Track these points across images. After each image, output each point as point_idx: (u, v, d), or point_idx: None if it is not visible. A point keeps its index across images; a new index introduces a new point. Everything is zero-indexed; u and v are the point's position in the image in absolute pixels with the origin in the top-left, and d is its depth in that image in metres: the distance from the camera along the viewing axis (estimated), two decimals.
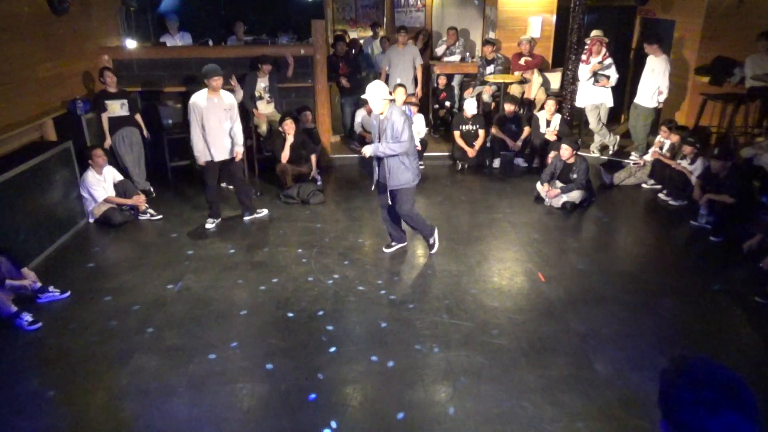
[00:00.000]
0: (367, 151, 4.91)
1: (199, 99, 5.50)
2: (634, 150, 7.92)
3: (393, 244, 5.39)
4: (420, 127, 7.75)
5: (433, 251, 5.28)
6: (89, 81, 7.01)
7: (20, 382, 3.60)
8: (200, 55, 7.63)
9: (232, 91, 6.34)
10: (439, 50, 9.54)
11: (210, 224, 5.94)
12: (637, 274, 4.99)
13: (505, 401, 3.38)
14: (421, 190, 7.05)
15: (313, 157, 7.01)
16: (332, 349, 3.90)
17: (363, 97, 4.92)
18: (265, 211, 6.25)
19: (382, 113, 4.79)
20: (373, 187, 6.64)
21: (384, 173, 4.89)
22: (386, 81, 8.44)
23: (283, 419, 3.26)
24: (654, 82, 7.42)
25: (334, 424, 3.22)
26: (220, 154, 5.72)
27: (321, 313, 4.34)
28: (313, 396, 3.44)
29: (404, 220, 5.20)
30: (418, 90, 8.52)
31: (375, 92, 4.76)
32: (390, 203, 5.03)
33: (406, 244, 5.43)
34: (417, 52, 8.45)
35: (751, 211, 5.70)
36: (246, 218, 6.11)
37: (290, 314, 4.33)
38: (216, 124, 5.57)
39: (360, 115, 8.19)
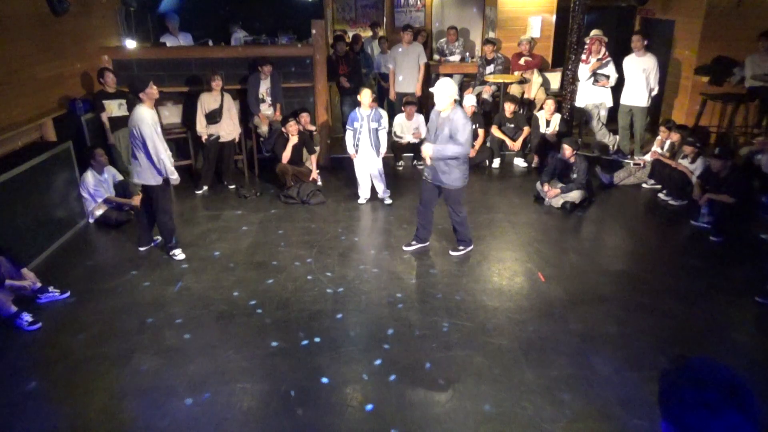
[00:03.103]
0: (428, 151, 4.78)
1: (148, 115, 4.86)
2: (631, 150, 7.94)
3: (414, 243, 5.39)
4: (420, 127, 7.74)
5: (456, 254, 5.28)
6: (89, 81, 7.01)
7: (20, 382, 3.60)
8: (200, 55, 7.64)
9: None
10: (437, 54, 9.53)
11: (179, 255, 5.28)
12: (637, 274, 4.99)
13: (505, 401, 3.38)
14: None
15: (313, 158, 7.01)
16: (332, 350, 3.90)
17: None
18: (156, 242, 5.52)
19: (444, 110, 4.78)
20: (362, 200, 6.60)
21: (433, 171, 4.94)
22: (393, 81, 8.46)
23: (283, 419, 3.26)
24: (646, 82, 7.43)
25: (334, 425, 3.22)
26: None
27: (321, 313, 4.34)
28: (313, 396, 3.44)
29: (454, 219, 5.20)
30: (418, 88, 8.50)
31: (444, 89, 4.72)
32: (444, 199, 5.12)
33: (427, 245, 5.44)
34: (422, 51, 8.41)
35: (751, 211, 5.70)
36: (142, 248, 5.43)
37: (290, 314, 4.33)
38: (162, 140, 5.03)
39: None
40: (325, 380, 3.59)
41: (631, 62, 7.54)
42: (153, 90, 4.94)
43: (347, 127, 6.46)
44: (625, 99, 7.71)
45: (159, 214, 5.24)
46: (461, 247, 5.32)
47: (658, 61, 7.48)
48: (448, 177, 4.90)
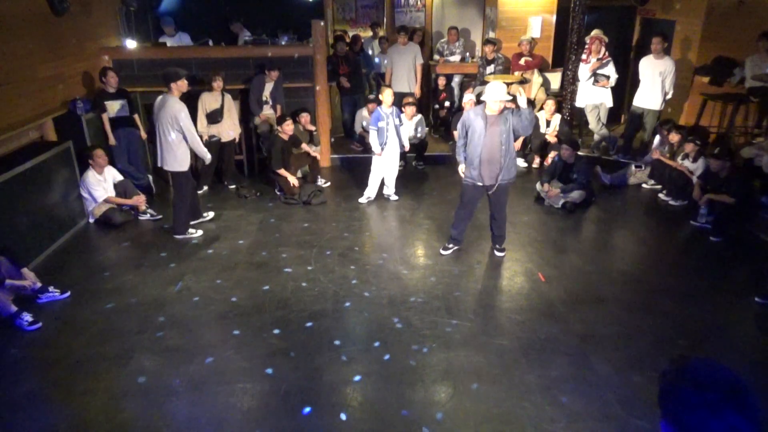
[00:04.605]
0: (524, 102, 4.79)
1: (182, 103, 5.30)
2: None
3: (451, 246, 5.32)
4: (420, 127, 7.75)
5: (503, 254, 5.26)
6: (89, 81, 7.01)
7: (20, 382, 3.60)
8: (200, 55, 7.64)
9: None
10: (437, 54, 9.54)
11: (195, 233, 5.77)
12: (637, 274, 4.99)
13: (505, 401, 3.38)
14: (422, 191, 7.06)
15: (303, 145, 6.94)
16: (332, 350, 3.89)
17: (472, 96, 4.71)
18: (211, 213, 6.16)
19: (494, 112, 4.72)
20: (363, 199, 6.58)
21: (501, 169, 4.86)
22: (389, 80, 8.48)
23: (283, 419, 3.26)
24: (662, 85, 7.35)
25: (334, 424, 3.22)
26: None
27: (321, 313, 4.34)
28: (313, 396, 3.44)
29: (502, 216, 5.15)
30: (417, 89, 8.51)
31: (497, 93, 4.64)
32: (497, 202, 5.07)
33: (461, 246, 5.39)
34: (418, 51, 8.46)
35: (751, 211, 5.70)
36: (193, 222, 5.90)
37: (290, 314, 4.33)
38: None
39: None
40: (325, 380, 3.58)
41: (648, 64, 7.43)
42: (183, 83, 5.31)
43: (371, 126, 6.47)
44: (639, 101, 7.61)
45: (177, 200, 5.63)
46: (504, 246, 5.29)
47: (676, 64, 7.40)
48: (509, 172, 4.92)
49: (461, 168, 5.08)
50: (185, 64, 7.43)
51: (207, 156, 5.71)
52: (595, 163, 7.51)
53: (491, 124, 4.75)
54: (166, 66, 7.38)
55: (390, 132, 6.37)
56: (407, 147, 6.75)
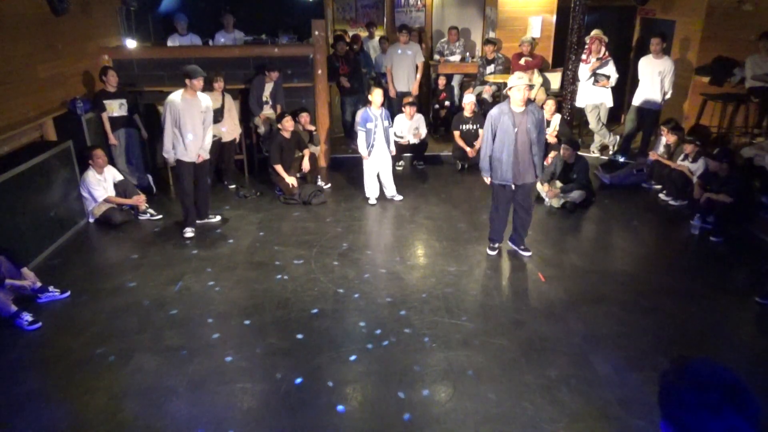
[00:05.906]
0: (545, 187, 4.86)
1: (176, 98, 5.38)
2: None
3: (496, 246, 5.28)
4: (420, 127, 7.75)
5: (529, 254, 5.22)
6: (89, 81, 7.01)
7: (20, 382, 3.60)
8: (200, 55, 7.62)
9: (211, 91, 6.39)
10: (437, 54, 9.55)
11: (189, 233, 5.74)
12: (637, 274, 4.99)
13: (505, 401, 3.38)
14: (422, 191, 7.06)
15: (306, 151, 6.95)
16: (332, 350, 3.89)
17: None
18: (218, 218, 6.15)
19: (522, 106, 4.68)
20: (372, 200, 6.52)
21: (516, 173, 4.86)
22: (391, 80, 8.47)
23: (283, 419, 3.26)
24: (661, 85, 7.36)
25: (333, 425, 3.22)
26: (195, 156, 5.61)
27: (321, 312, 4.34)
28: (313, 396, 3.44)
29: (527, 215, 5.11)
30: (414, 88, 8.49)
31: (523, 82, 4.59)
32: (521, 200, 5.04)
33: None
34: (419, 50, 8.45)
35: (751, 211, 5.70)
36: (197, 221, 5.94)
37: (290, 314, 4.33)
38: (192, 125, 5.46)
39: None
40: (324, 380, 3.59)
41: (647, 64, 7.43)
42: (197, 83, 5.38)
43: (359, 128, 6.38)
44: (638, 101, 7.61)
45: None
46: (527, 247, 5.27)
47: (675, 64, 7.40)
48: (531, 172, 4.90)
49: (486, 176, 5.04)
50: (185, 64, 7.42)
51: (165, 154, 5.61)
52: (595, 163, 7.51)
53: (519, 121, 4.70)
54: (166, 66, 7.45)
55: (378, 134, 6.29)
56: (394, 151, 6.58)
